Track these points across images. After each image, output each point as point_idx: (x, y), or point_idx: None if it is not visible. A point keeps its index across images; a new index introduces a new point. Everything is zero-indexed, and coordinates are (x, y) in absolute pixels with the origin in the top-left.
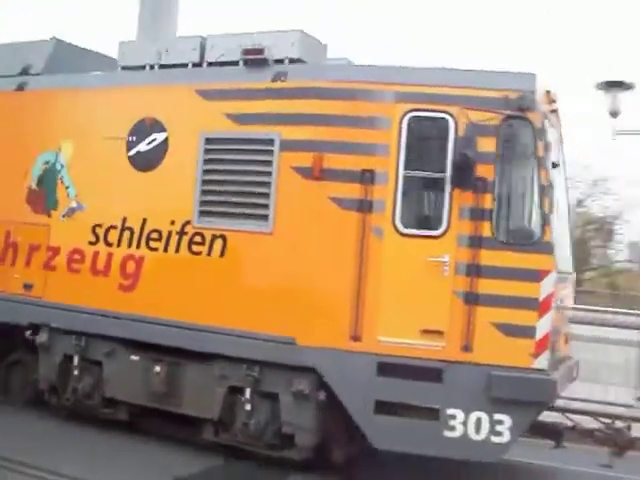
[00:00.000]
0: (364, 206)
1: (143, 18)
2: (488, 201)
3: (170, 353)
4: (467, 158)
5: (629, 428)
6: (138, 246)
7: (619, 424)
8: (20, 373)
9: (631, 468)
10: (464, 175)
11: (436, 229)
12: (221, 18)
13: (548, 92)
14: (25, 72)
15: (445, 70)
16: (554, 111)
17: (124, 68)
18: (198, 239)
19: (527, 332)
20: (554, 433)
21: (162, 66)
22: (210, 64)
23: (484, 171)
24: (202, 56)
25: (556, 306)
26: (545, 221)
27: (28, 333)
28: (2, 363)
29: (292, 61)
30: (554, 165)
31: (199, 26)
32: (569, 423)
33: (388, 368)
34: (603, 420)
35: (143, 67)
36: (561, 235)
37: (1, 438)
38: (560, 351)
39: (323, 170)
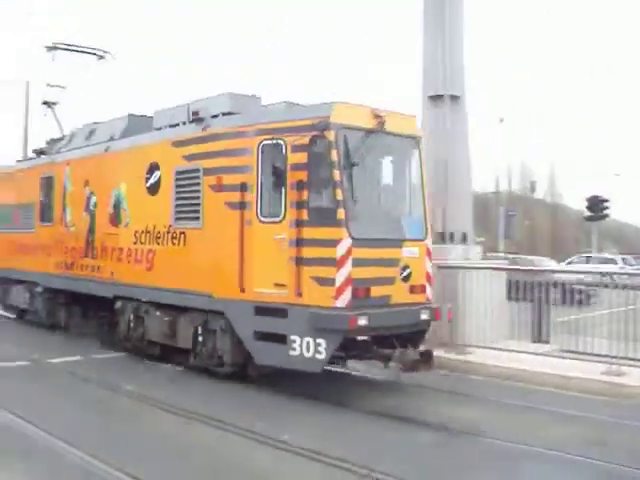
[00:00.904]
0: (241, 206)
1: None
2: (304, 196)
3: (173, 309)
4: (278, 169)
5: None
6: (152, 242)
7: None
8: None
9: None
10: (279, 180)
11: (278, 217)
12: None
13: (374, 111)
14: (111, 139)
15: (284, 108)
16: (380, 122)
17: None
18: (175, 235)
19: (329, 282)
20: (383, 356)
21: (156, 129)
22: (174, 125)
23: (301, 176)
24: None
25: (360, 263)
26: (338, 206)
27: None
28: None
29: (224, 114)
30: (354, 164)
31: None
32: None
33: (260, 310)
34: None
35: (159, 129)
36: (394, 208)
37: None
38: (388, 298)
39: (222, 185)
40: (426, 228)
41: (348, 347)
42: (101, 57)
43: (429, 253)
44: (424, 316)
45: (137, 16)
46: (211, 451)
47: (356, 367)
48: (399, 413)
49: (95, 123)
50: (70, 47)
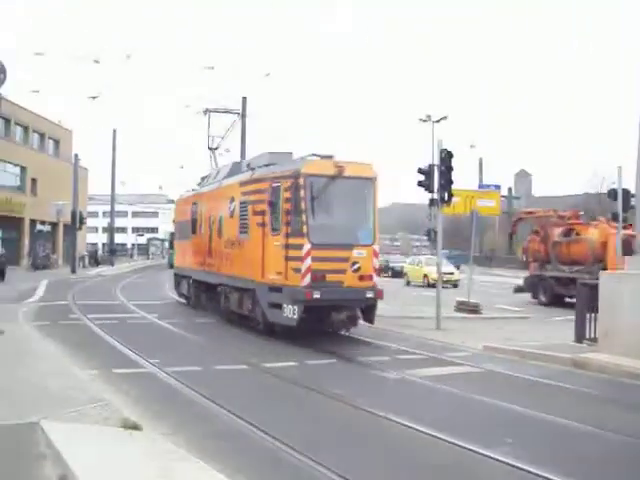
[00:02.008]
0: (263, 225)
1: None
2: (289, 218)
3: (239, 290)
4: (277, 202)
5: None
6: (230, 248)
7: None
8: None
9: None
10: (277, 208)
11: (278, 231)
12: None
13: (335, 162)
14: (221, 179)
15: (284, 162)
16: (340, 170)
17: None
18: (239, 243)
19: (299, 271)
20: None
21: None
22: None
23: (288, 206)
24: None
25: (318, 259)
26: (303, 224)
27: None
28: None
29: (266, 166)
30: (317, 198)
31: None
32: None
33: (270, 288)
34: None
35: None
36: (351, 225)
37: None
38: (340, 283)
39: (255, 212)
40: (374, 237)
41: (313, 311)
42: (243, 115)
43: (375, 254)
44: (369, 294)
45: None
46: None
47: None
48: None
49: (224, 165)
50: (218, 110)
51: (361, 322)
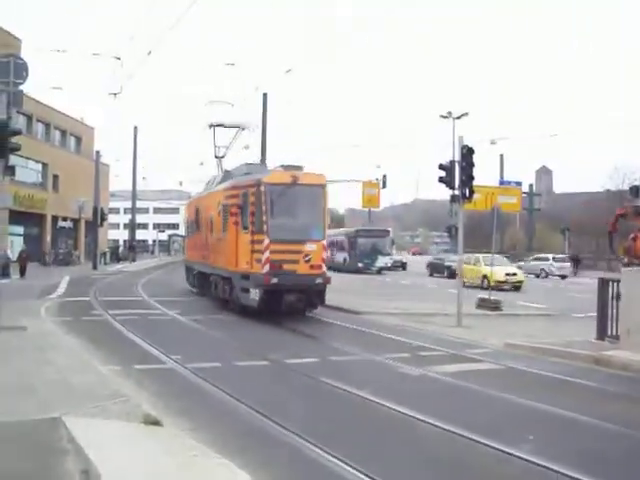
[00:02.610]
0: (236, 224)
1: None
2: (254, 218)
3: (223, 278)
4: (245, 205)
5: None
6: (217, 243)
7: None
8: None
9: None
10: (246, 211)
11: (247, 230)
12: None
13: (291, 173)
14: (214, 185)
15: (254, 172)
16: (295, 179)
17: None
18: (222, 239)
19: (260, 261)
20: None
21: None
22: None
23: (253, 208)
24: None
25: (278, 251)
26: (263, 223)
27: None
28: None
29: (244, 175)
30: (276, 202)
31: None
32: None
33: (242, 276)
34: None
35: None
36: (304, 224)
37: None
38: (294, 271)
39: (232, 214)
40: (323, 234)
41: (272, 294)
42: (243, 129)
43: (324, 247)
44: (318, 280)
45: None
46: None
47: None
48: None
49: (219, 174)
50: (223, 124)
51: (387, 321)
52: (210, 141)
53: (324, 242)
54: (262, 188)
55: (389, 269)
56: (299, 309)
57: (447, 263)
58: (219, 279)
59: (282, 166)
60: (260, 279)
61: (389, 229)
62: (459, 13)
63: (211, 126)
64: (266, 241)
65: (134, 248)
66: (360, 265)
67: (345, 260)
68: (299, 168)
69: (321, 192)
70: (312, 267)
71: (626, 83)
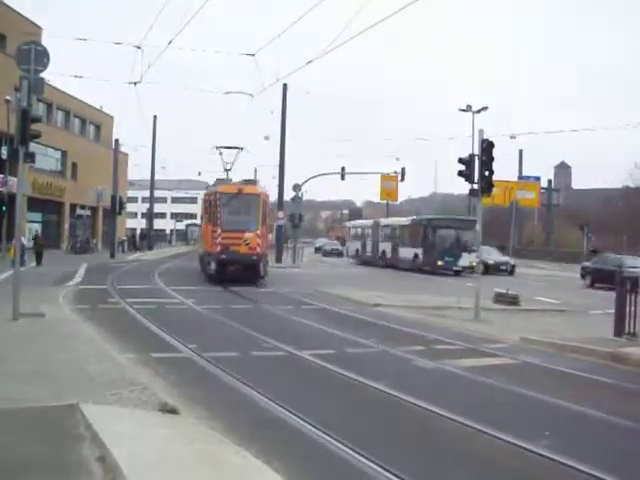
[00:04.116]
0: (206, 219)
1: None
2: (214, 216)
3: (202, 255)
4: (211, 206)
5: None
6: (201, 233)
7: None
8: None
9: None
10: (211, 210)
11: (211, 222)
12: None
13: (237, 186)
14: (210, 187)
15: (221, 182)
16: (239, 190)
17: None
18: (203, 230)
19: (216, 244)
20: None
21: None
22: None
23: (214, 209)
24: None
25: (226, 237)
26: (217, 219)
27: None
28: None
29: (214, 185)
30: (226, 205)
31: None
32: None
33: (207, 254)
34: None
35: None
36: (244, 219)
37: None
38: (237, 250)
39: (206, 211)
40: (258, 226)
41: (223, 265)
42: (242, 149)
43: (258, 235)
44: (254, 257)
45: None
46: None
47: None
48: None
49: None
50: (226, 146)
51: (397, 314)
52: (218, 159)
53: (258, 232)
54: (218, 195)
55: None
56: (241, 277)
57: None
58: (202, 258)
59: (244, 180)
60: (215, 256)
61: (475, 218)
62: (482, 5)
63: (217, 148)
64: (219, 231)
65: (146, 236)
66: (440, 263)
67: (416, 257)
68: (254, 182)
69: (257, 199)
70: (250, 248)
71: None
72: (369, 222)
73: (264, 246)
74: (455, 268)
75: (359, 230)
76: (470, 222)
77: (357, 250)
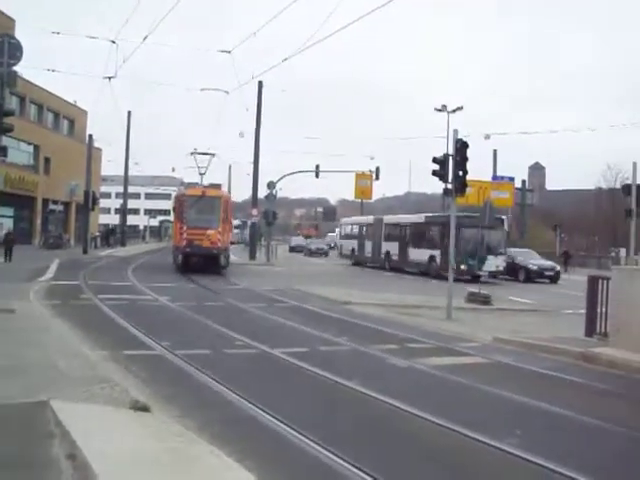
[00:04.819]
0: (176, 218)
1: None
2: (180, 215)
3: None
4: (180, 207)
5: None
6: (173, 230)
7: None
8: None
9: None
10: (179, 210)
11: (179, 220)
12: None
13: (202, 188)
14: (181, 188)
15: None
16: (203, 192)
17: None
18: (174, 227)
19: (182, 239)
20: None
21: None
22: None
23: (183, 209)
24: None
25: (191, 233)
26: (183, 218)
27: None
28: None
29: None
30: (192, 206)
31: None
32: None
33: (176, 248)
34: None
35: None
36: (206, 217)
37: None
38: (200, 244)
39: (176, 211)
40: (219, 224)
41: (188, 257)
42: (214, 155)
43: (219, 232)
44: (214, 251)
45: None
46: None
47: None
48: None
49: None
50: (200, 152)
51: (374, 311)
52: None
53: (219, 229)
54: (184, 197)
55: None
56: (203, 267)
57: None
58: (173, 251)
59: (211, 184)
60: (182, 249)
61: (503, 217)
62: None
63: (192, 153)
64: (185, 227)
65: (114, 232)
66: (464, 268)
67: (432, 260)
68: (217, 186)
69: (219, 200)
70: (211, 243)
71: (624, 83)
72: (369, 218)
73: (225, 241)
74: (481, 273)
75: (355, 227)
76: (497, 220)
77: (353, 249)
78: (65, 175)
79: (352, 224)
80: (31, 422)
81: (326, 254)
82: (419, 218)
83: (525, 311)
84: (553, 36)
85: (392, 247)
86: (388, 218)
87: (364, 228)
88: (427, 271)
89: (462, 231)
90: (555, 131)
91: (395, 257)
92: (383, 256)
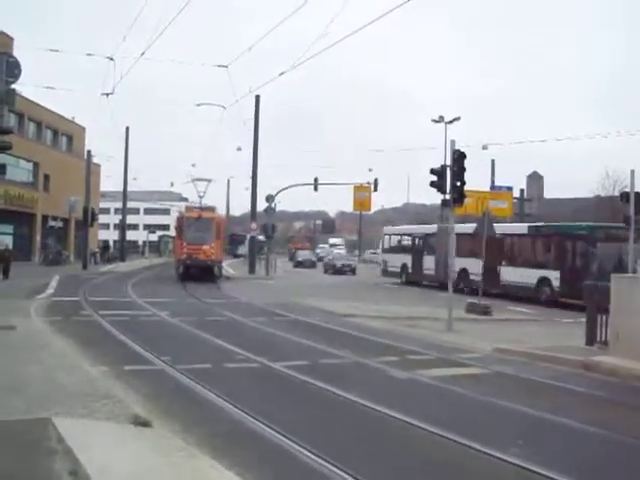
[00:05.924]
0: (177, 236)
1: None
2: (181, 233)
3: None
4: (181, 225)
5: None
6: (174, 245)
7: None
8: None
9: None
10: (179, 229)
11: (179, 237)
12: None
13: (198, 210)
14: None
15: (186, 209)
16: (199, 214)
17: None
18: (175, 243)
19: (182, 252)
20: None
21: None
22: None
23: (183, 227)
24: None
25: (190, 248)
26: (183, 235)
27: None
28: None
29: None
30: (190, 225)
31: None
32: None
33: (178, 261)
34: None
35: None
36: (201, 235)
37: None
38: (197, 257)
39: (177, 229)
40: (213, 240)
41: (188, 269)
42: (210, 180)
43: (212, 247)
44: (209, 262)
45: None
46: None
47: None
48: None
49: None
50: (199, 178)
51: (376, 325)
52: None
53: (213, 244)
54: (184, 218)
55: None
56: (199, 276)
57: None
58: (175, 263)
59: (205, 206)
60: (182, 261)
61: None
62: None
63: (193, 180)
64: (184, 243)
65: (107, 248)
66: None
67: (544, 283)
68: (212, 208)
69: (212, 221)
70: (206, 256)
71: (619, 90)
72: (430, 227)
73: (218, 255)
74: None
75: (407, 239)
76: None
77: (404, 266)
78: (64, 191)
79: (402, 234)
80: (33, 438)
81: (353, 271)
82: (521, 228)
83: (525, 321)
84: (555, 47)
85: (471, 264)
86: (461, 227)
87: (421, 239)
88: (534, 296)
89: (597, 246)
90: (559, 140)
91: (475, 277)
92: (457, 275)
